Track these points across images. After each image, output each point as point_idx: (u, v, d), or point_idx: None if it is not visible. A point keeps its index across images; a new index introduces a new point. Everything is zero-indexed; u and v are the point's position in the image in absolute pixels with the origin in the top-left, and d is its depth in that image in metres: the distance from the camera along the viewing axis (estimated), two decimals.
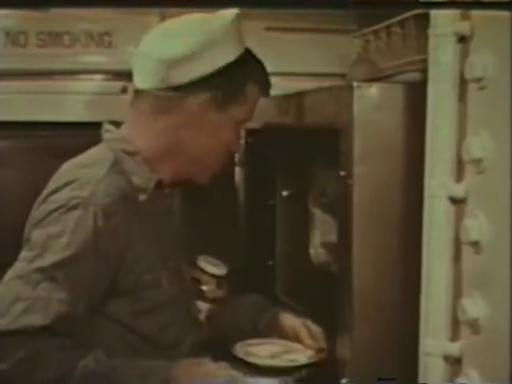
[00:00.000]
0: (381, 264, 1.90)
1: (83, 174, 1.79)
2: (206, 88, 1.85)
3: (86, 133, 2.12)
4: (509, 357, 1.56)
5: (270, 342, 2.04)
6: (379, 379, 1.79)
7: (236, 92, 1.89)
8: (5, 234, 1.82)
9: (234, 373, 1.80)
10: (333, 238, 2.17)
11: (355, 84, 1.88)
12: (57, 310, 1.66)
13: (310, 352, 1.99)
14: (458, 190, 1.71)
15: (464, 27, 1.68)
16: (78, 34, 2.75)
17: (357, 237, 1.89)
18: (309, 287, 2.46)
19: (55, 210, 1.73)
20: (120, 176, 1.81)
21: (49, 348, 1.66)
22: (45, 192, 1.81)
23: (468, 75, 1.67)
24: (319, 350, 2.01)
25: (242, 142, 2.71)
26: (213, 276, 2.09)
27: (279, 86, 2.44)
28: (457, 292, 1.73)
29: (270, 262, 2.68)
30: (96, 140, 1.95)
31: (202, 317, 2.06)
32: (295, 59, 2.86)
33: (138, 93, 1.92)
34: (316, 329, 2.06)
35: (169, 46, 1.84)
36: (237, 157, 2.83)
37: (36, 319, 1.64)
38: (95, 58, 2.79)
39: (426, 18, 1.77)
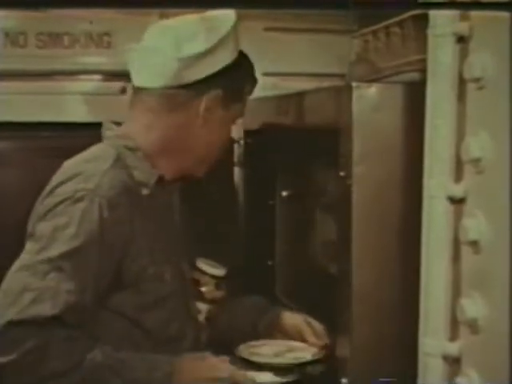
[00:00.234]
0: (380, 263, 1.90)
1: (87, 168, 1.81)
2: (216, 86, 1.88)
3: (85, 133, 2.12)
4: (508, 356, 1.56)
5: (273, 342, 2.04)
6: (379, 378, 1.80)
7: (239, 90, 1.94)
8: (5, 234, 1.82)
9: (235, 367, 1.81)
10: (332, 237, 2.17)
11: (354, 84, 1.88)
12: (65, 299, 1.67)
13: (314, 349, 2.00)
14: (457, 190, 1.71)
15: (463, 27, 1.69)
16: (78, 34, 2.76)
17: (356, 237, 1.89)
18: (308, 287, 2.46)
19: (61, 202, 1.75)
20: (123, 170, 1.84)
21: (57, 339, 1.66)
22: (48, 187, 1.83)
23: (467, 75, 1.68)
24: (323, 347, 2.01)
25: (242, 142, 2.72)
26: (212, 277, 2.10)
27: (278, 86, 2.45)
28: (456, 292, 1.73)
29: (269, 262, 2.68)
30: (96, 140, 1.96)
31: (201, 317, 2.06)
32: (294, 59, 2.86)
33: (139, 90, 1.93)
34: (318, 326, 2.06)
35: (185, 45, 1.86)
36: (236, 157, 2.83)
37: (45, 309, 1.65)
38: (95, 58, 2.79)
39: (425, 19, 1.77)
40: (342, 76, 2.59)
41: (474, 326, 1.67)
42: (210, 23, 1.88)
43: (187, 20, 1.91)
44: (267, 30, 2.85)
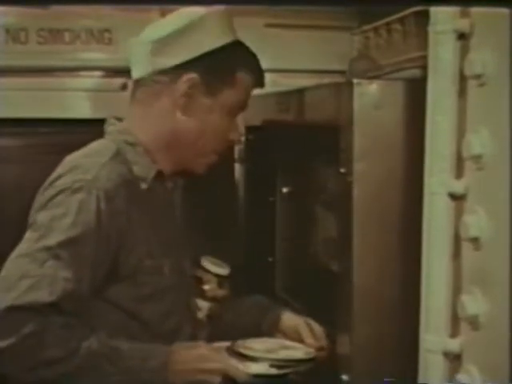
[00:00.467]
0: (381, 260, 1.90)
1: (86, 161, 1.84)
2: (193, 70, 1.88)
3: (86, 129, 2.13)
4: (508, 353, 1.56)
5: (269, 340, 2.04)
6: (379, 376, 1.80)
7: (224, 76, 1.91)
8: (6, 230, 1.82)
9: (228, 358, 1.82)
10: (333, 234, 2.17)
11: (355, 81, 1.88)
12: (63, 287, 1.69)
13: (308, 349, 1.99)
14: (458, 187, 1.71)
15: (464, 24, 1.69)
16: (79, 30, 2.76)
17: (357, 233, 1.89)
18: (309, 284, 2.46)
19: (59, 192, 1.78)
20: (122, 165, 1.86)
21: (54, 326, 1.67)
22: (49, 179, 1.85)
23: (468, 72, 1.68)
24: (319, 349, 2.01)
25: (243, 138, 2.71)
26: (215, 275, 2.10)
27: (279, 83, 2.44)
28: (456, 288, 1.73)
29: (270, 259, 2.68)
30: (96, 136, 1.96)
31: (202, 315, 2.06)
32: (295, 56, 2.86)
33: (135, 84, 1.96)
34: (318, 328, 2.05)
35: (154, 30, 1.91)
36: (237, 153, 2.83)
37: (42, 296, 1.67)
38: (95, 54, 2.79)
39: (425, 15, 1.78)
40: (342, 73, 2.59)
41: (474, 323, 1.68)
42: (188, 12, 1.90)
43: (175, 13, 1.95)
44: (268, 26, 2.84)
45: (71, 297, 1.69)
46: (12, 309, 1.65)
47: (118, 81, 2.73)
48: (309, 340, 2.01)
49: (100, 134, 1.97)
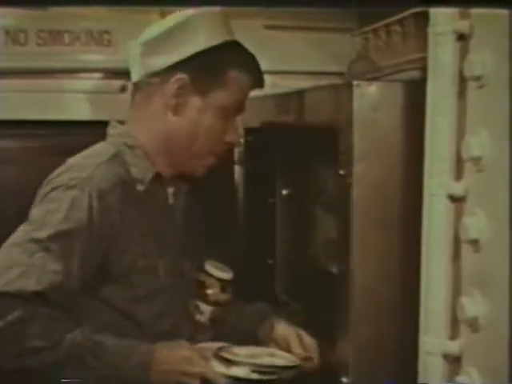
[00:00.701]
0: (380, 262, 1.90)
1: (84, 161, 1.88)
2: (183, 71, 1.89)
3: (85, 131, 2.13)
4: (508, 355, 1.56)
5: (259, 348, 2.03)
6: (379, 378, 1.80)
7: (214, 76, 1.92)
8: (4, 232, 1.82)
9: (209, 362, 1.81)
10: (332, 236, 2.17)
11: (355, 82, 1.88)
12: (51, 278, 1.73)
13: (294, 358, 1.98)
14: (457, 189, 1.71)
15: (463, 25, 1.68)
16: (78, 32, 2.76)
17: (356, 235, 1.89)
18: (308, 286, 2.46)
19: (55, 188, 1.82)
20: (119, 166, 1.88)
21: (40, 315, 1.71)
22: (49, 177, 1.88)
23: (467, 73, 1.68)
24: (307, 359, 1.99)
25: (242, 140, 2.71)
26: (218, 280, 2.09)
27: (278, 85, 2.44)
28: (456, 290, 1.73)
29: (269, 261, 2.68)
30: (96, 138, 1.97)
31: (204, 319, 2.06)
32: (294, 57, 2.86)
33: (134, 86, 1.99)
34: (308, 339, 2.04)
35: (146, 32, 1.94)
36: (236, 155, 2.83)
37: (30, 284, 1.71)
38: (95, 56, 2.79)
39: (425, 17, 1.77)
40: (341, 74, 2.58)
41: (474, 325, 1.67)
42: (178, 14, 1.92)
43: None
44: (267, 27, 2.84)
45: (59, 289, 1.73)
46: (1, 295, 1.69)
47: (118, 83, 2.73)
48: (296, 349, 2.01)
49: (99, 136, 1.98)
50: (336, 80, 2.55)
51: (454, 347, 1.73)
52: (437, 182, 1.74)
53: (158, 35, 1.91)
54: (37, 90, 2.74)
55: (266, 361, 1.89)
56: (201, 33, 1.90)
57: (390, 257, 1.90)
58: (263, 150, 2.67)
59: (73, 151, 1.92)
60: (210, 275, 2.08)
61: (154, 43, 1.91)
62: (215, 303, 2.09)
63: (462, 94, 1.70)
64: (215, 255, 2.14)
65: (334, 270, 2.10)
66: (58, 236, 1.76)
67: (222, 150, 2.00)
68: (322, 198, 2.40)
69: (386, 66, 2.26)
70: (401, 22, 2.15)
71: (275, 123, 2.46)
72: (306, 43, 2.86)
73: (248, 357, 1.88)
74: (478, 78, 1.65)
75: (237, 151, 2.82)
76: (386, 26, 2.26)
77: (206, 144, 1.95)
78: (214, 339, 2.01)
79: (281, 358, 1.94)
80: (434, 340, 1.76)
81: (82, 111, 2.78)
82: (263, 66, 1.98)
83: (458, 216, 1.72)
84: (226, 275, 2.10)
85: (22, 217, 1.84)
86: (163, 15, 2.23)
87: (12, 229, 1.82)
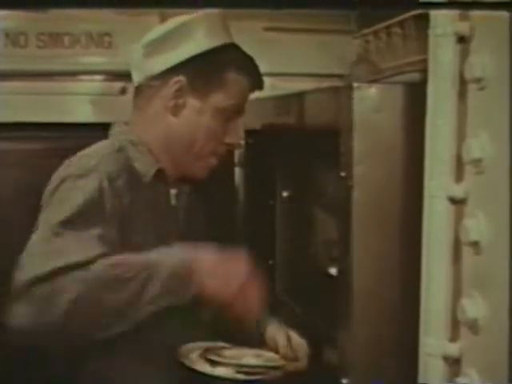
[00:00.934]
0: (381, 263, 1.90)
1: (91, 152, 1.91)
2: (182, 73, 1.91)
3: (85, 133, 2.13)
4: (508, 357, 1.56)
5: (247, 349, 2.03)
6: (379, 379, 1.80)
7: (212, 78, 1.93)
8: (5, 233, 1.82)
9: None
10: (333, 238, 2.17)
11: (355, 84, 1.88)
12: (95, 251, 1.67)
13: (280, 359, 1.98)
14: (458, 191, 1.71)
15: (464, 27, 1.69)
16: (78, 34, 2.76)
17: (357, 237, 1.89)
18: (309, 287, 2.46)
19: (64, 180, 1.81)
20: (124, 160, 1.91)
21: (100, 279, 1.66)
22: (54, 174, 1.88)
23: (468, 75, 1.68)
24: (291, 359, 1.99)
25: (242, 142, 2.71)
26: None
27: (278, 87, 2.44)
28: (456, 292, 1.73)
29: (270, 262, 2.68)
30: (97, 140, 1.98)
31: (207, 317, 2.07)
32: (294, 60, 2.86)
33: (135, 90, 2.01)
34: (297, 340, 2.04)
35: (146, 35, 1.96)
36: (237, 157, 2.83)
37: (78, 256, 1.64)
38: (95, 58, 2.79)
39: (425, 19, 1.77)
40: (342, 76, 2.59)
41: (474, 327, 1.67)
42: (178, 18, 1.94)
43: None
44: (267, 29, 2.84)
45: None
46: (60, 271, 1.62)
47: (118, 85, 2.73)
48: (282, 349, 2.01)
49: (101, 138, 1.99)
50: (336, 82, 2.55)
51: (454, 349, 1.73)
52: (437, 183, 1.74)
53: (158, 38, 1.93)
54: (37, 92, 2.74)
55: (251, 361, 1.90)
56: (199, 35, 1.92)
57: (390, 258, 1.90)
58: (264, 152, 2.67)
59: (74, 153, 1.92)
60: None
61: (153, 46, 1.93)
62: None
63: (462, 95, 1.70)
64: None
65: (335, 271, 2.10)
66: (73, 220, 1.71)
67: (223, 151, 2.00)
68: (322, 200, 2.40)
69: (387, 67, 2.27)
70: (401, 23, 2.15)
71: (276, 125, 2.47)
72: (305, 45, 2.86)
73: (233, 357, 1.89)
74: (478, 80, 1.65)
75: (237, 153, 2.82)
76: (387, 27, 2.26)
77: (206, 145, 1.96)
78: (207, 339, 2.01)
79: (266, 359, 1.95)
80: (434, 341, 1.76)
81: (82, 113, 2.78)
82: (262, 68, 1.98)
83: (459, 218, 1.72)
84: None
85: (23, 219, 1.84)
86: (163, 17, 2.23)
87: (14, 231, 1.81)
